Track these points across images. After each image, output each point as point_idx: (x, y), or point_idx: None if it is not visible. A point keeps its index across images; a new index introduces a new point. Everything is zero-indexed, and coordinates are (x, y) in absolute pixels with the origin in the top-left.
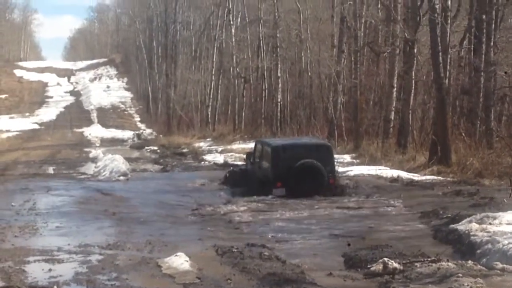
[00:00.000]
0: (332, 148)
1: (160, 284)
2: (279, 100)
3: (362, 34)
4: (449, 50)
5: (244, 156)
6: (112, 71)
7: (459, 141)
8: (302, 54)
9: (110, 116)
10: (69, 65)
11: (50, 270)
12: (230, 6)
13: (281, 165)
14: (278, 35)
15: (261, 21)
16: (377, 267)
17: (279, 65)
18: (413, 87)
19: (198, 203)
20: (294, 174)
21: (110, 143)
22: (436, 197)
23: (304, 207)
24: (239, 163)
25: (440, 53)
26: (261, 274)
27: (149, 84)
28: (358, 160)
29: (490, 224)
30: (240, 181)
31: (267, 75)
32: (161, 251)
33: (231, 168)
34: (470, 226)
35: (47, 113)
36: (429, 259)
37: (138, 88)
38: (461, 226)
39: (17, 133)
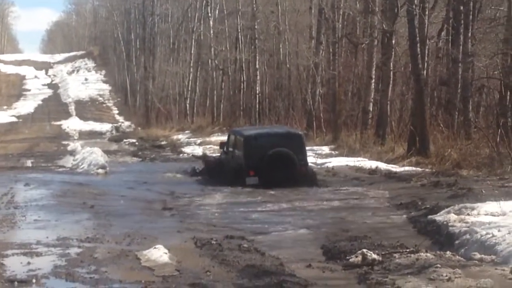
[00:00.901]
0: (304, 137)
1: (139, 276)
2: (257, 92)
3: (340, 25)
4: (427, 41)
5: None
6: (90, 64)
7: (437, 132)
8: (281, 46)
9: (88, 109)
10: (46, 58)
11: (28, 263)
12: None
13: (253, 154)
14: (256, 27)
15: (239, 13)
16: (356, 258)
17: (257, 57)
18: (391, 78)
19: (175, 196)
20: (267, 163)
21: (88, 136)
22: (414, 188)
23: (282, 198)
24: (218, 155)
25: (418, 44)
26: (240, 266)
27: (127, 76)
28: (336, 152)
29: (468, 214)
30: (215, 171)
31: (246, 67)
32: (140, 243)
33: (206, 158)
34: (448, 217)
35: (25, 106)
36: (407, 250)
37: (116, 81)
38: (440, 217)
39: None
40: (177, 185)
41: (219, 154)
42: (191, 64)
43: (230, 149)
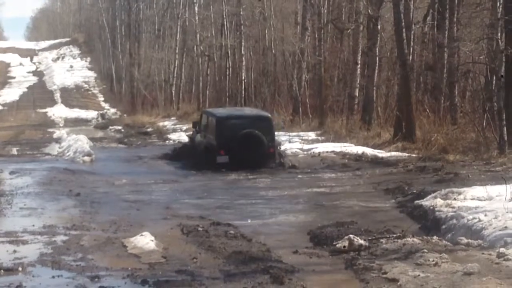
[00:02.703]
0: (272, 119)
1: (125, 264)
2: (243, 78)
3: (325, 11)
4: (413, 26)
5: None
6: (75, 51)
7: (423, 117)
8: (266, 32)
9: (74, 96)
10: (31, 45)
11: (14, 251)
12: None
13: (225, 134)
14: (241, 13)
15: None
16: (342, 244)
17: (243, 43)
18: (377, 64)
19: (163, 182)
20: (237, 143)
21: (74, 123)
22: (401, 173)
23: (268, 184)
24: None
25: (404, 30)
26: (227, 253)
27: (112, 63)
28: (323, 137)
29: (454, 199)
30: (188, 154)
31: (231, 53)
32: (126, 230)
33: (179, 143)
34: (435, 201)
35: (10, 94)
36: (394, 235)
37: (101, 68)
38: (426, 202)
39: None
40: (166, 173)
41: (191, 133)
42: (177, 51)
43: (203, 128)
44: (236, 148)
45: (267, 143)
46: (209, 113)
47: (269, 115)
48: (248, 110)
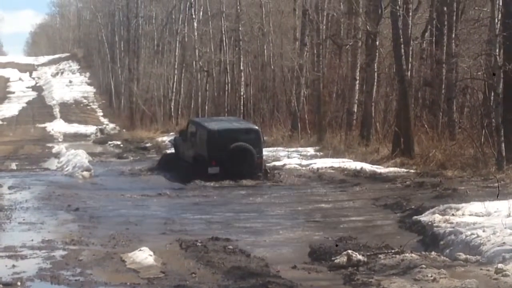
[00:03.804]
0: (261, 132)
1: (124, 279)
2: (242, 93)
3: (324, 27)
4: (411, 42)
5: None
6: (74, 66)
7: (421, 133)
8: (265, 48)
9: (73, 111)
10: (31, 60)
11: (13, 266)
12: (192, 0)
13: (216, 147)
14: (240, 28)
15: (223, 15)
16: (341, 259)
17: (241, 59)
18: (375, 80)
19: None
20: (228, 155)
21: (73, 138)
22: (399, 188)
23: (266, 199)
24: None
25: (402, 45)
26: (226, 268)
27: (111, 78)
28: (321, 153)
29: (453, 215)
30: (174, 164)
31: (230, 69)
32: (125, 245)
33: (164, 152)
34: (433, 217)
35: (9, 109)
36: (392, 250)
37: (100, 83)
38: (425, 218)
39: None
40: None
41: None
42: (176, 66)
43: (190, 137)
44: (227, 160)
45: (256, 154)
46: (198, 124)
47: (258, 128)
48: (236, 122)
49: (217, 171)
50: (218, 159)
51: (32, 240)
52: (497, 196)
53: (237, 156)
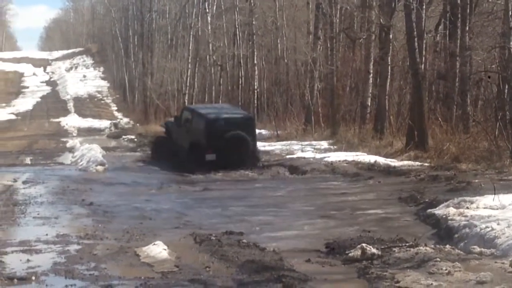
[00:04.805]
0: (254, 120)
1: (138, 273)
2: (255, 87)
3: (337, 20)
4: (425, 35)
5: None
6: (88, 61)
7: (435, 126)
8: (278, 41)
9: (87, 105)
10: (45, 55)
11: (28, 260)
12: None
13: (213, 135)
14: (254, 22)
15: (237, 9)
16: (355, 252)
17: (255, 53)
18: (389, 73)
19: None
20: (225, 143)
21: (87, 133)
22: (413, 182)
23: (272, 191)
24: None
25: (416, 39)
26: (240, 262)
27: (125, 73)
28: (335, 146)
29: (467, 208)
30: (167, 152)
31: (244, 63)
32: (139, 240)
33: (157, 137)
34: (447, 210)
35: (24, 104)
36: (407, 244)
37: (114, 77)
38: (439, 211)
39: None
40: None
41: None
42: (189, 60)
43: (186, 123)
44: (223, 148)
45: (251, 142)
46: (194, 111)
47: (252, 116)
48: (230, 110)
49: (213, 158)
50: (215, 146)
51: (47, 234)
52: None
53: (233, 144)
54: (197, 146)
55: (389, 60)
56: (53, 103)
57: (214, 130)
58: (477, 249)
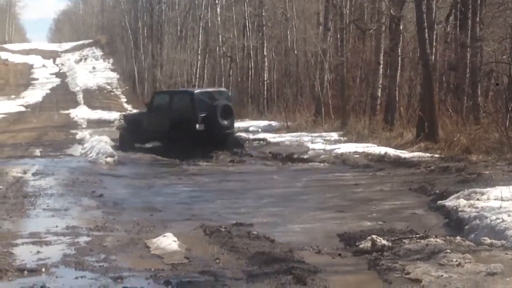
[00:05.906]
0: (229, 92)
1: (148, 264)
2: (265, 78)
3: (347, 11)
4: (435, 26)
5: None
6: (98, 52)
7: (446, 117)
8: (288, 33)
9: (96, 97)
10: (54, 46)
11: (38, 252)
12: None
13: (199, 106)
14: (263, 13)
15: (246, 0)
16: (365, 244)
17: (265, 44)
18: (399, 64)
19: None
20: (212, 112)
21: (96, 125)
22: (423, 173)
23: (281, 183)
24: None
25: (426, 30)
26: (250, 253)
27: (135, 64)
28: (345, 138)
29: (478, 199)
30: (142, 137)
31: (253, 54)
32: (149, 231)
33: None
34: (458, 202)
35: (33, 95)
36: (417, 235)
37: (124, 69)
38: (449, 202)
39: (3, 115)
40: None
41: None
42: (199, 52)
43: (159, 107)
44: (211, 116)
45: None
46: (172, 93)
47: (227, 90)
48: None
49: (202, 128)
50: (203, 116)
51: (57, 226)
52: None
53: (220, 112)
54: (184, 121)
55: (399, 51)
56: (63, 95)
57: (200, 102)
58: (488, 240)
